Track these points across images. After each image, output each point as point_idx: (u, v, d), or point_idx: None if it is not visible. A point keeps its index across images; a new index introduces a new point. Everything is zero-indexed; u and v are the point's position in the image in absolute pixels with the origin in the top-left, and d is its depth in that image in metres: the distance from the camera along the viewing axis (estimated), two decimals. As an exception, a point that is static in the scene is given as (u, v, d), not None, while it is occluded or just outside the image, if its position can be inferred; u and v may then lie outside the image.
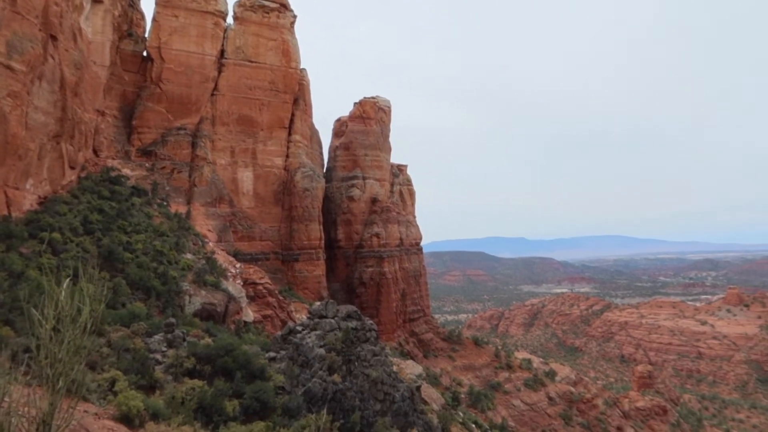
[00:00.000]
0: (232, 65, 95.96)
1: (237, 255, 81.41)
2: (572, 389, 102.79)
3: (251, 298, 66.09)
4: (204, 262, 57.32)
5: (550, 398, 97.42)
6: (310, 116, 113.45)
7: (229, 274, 60.94)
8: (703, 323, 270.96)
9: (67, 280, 7.96)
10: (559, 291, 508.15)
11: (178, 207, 76.81)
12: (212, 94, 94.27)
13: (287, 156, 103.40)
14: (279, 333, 33.88)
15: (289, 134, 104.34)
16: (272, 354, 30.31)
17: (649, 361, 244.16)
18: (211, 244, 71.26)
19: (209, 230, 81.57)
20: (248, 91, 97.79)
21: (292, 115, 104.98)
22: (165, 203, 73.71)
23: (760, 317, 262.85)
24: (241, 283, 63.01)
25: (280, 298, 74.39)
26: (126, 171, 73.82)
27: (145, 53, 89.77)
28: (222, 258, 65.31)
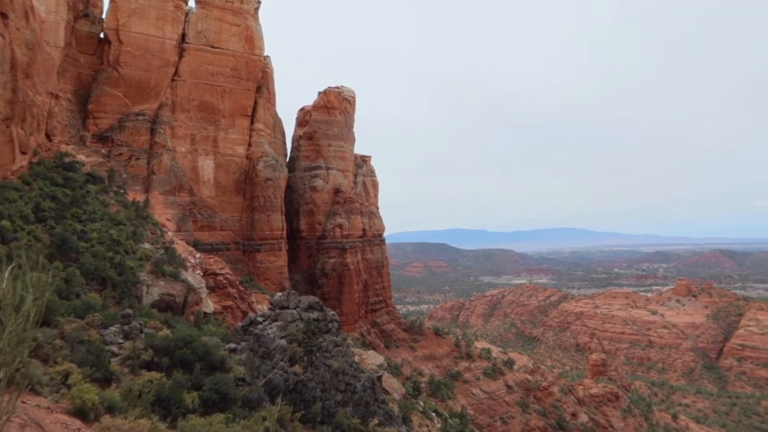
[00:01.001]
0: (193, 50, 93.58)
1: (197, 245, 79.92)
2: (529, 377, 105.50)
3: (211, 289, 65.08)
4: (162, 251, 56.04)
5: (509, 386, 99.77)
6: (274, 105, 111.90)
7: (189, 264, 59.81)
8: (654, 313, 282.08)
9: (10, 267, 7.58)
10: (518, 282, 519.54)
11: (135, 195, 74.73)
12: (172, 80, 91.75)
13: (249, 145, 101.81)
14: (239, 324, 33.55)
15: (252, 123, 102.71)
16: (232, 345, 30.01)
17: (602, 349, 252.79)
18: (170, 233, 69.67)
19: (168, 219, 79.70)
20: (210, 78, 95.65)
21: (255, 103, 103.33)
22: (122, 191, 71.60)
23: (706, 307, 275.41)
24: (201, 274, 61.95)
25: (241, 288, 73.52)
26: (81, 157, 71.26)
27: (102, 35, 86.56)
28: (181, 248, 64.00)
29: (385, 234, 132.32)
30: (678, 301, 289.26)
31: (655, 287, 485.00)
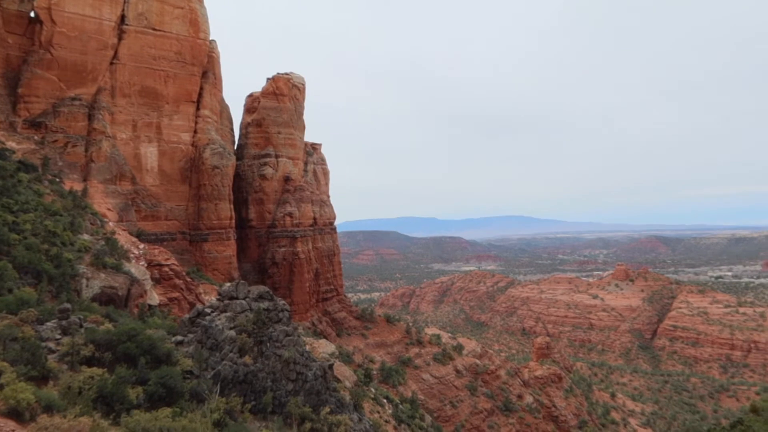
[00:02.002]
0: (133, 33, 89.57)
1: (140, 235, 77.16)
2: (478, 362, 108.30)
3: (156, 281, 63.13)
4: (103, 243, 53.79)
5: (458, 371, 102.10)
6: (220, 90, 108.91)
7: (132, 255, 57.73)
8: (595, 297, 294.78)
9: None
10: (467, 269, 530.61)
11: (73, 184, 71.20)
12: (111, 63, 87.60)
13: (195, 132, 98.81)
14: (187, 316, 32.74)
15: (198, 109, 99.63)
16: (179, 338, 29.28)
17: (547, 333, 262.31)
18: (111, 223, 66.92)
19: (109, 209, 76.49)
20: (152, 62, 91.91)
21: (201, 88, 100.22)
22: (58, 180, 68.06)
23: (642, 291, 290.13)
24: (145, 265, 59.95)
25: (188, 279, 71.67)
26: (11, 144, 67.20)
27: (32, 14, 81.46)
28: (123, 239, 61.65)
29: (337, 222, 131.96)
30: (617, 285, 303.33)
31: (596, 272, 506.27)
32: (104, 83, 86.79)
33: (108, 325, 27.74)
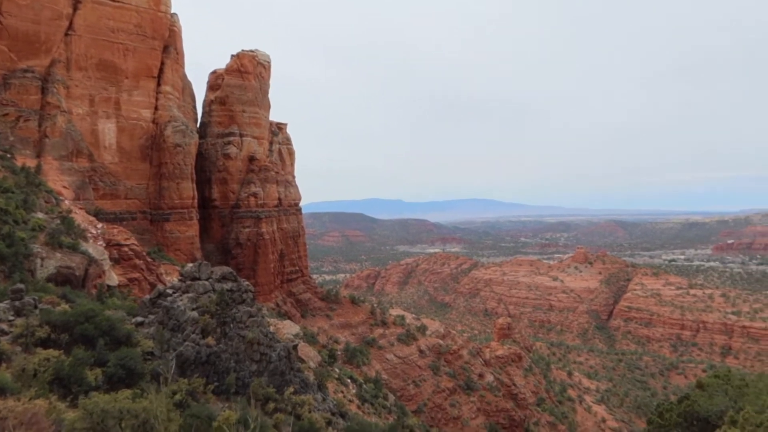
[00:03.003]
0: (90, 3, 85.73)
1: (99, 214, 74.90)
2: (441, 342, 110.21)
3: (116, 261, 61.60)
4: (59, 221, 52.04)
5: (421, 351, 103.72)
6: (182, 66, 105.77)
7: (90, 234, 56.08)
8: (555, 279, 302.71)
9: None
10: (432, 251, 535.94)
11: (25, 160, 68.36)
12: (66, 34, 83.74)
13: (156, 108, 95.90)
14: (147, 297, 32.16)
15: (159, 85, 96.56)
16: (140, 319, 28.81)
17: (508, 314, 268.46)
18: (67, 202, 64.73)
19: (65, 187, 73.85)
20: (110, 34, 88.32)
21: (162, 64, 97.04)
22: (9, 155, 65.24)
23: (600, 273, 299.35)
24: (104, 245, 58.37)
25: (149, 260, 70.17)
26: (-42, 116, 63.87)
27: (-21, -21, 76.97)
28: (81, 217, 59.78)
29: (302, 203, 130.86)
30: (576, 267, 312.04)
31: (557, 255, 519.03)
32: (59, 55, 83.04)
33: (64, 306, 27.06)
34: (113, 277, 52.58)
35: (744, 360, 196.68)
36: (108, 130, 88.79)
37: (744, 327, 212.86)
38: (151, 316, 29.06)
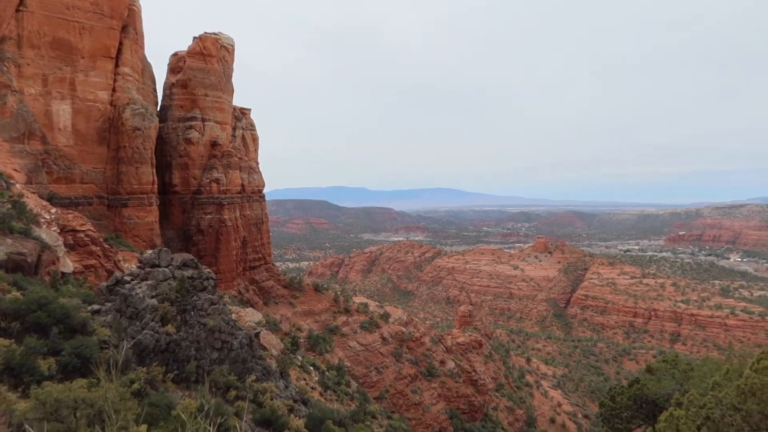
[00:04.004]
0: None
1: (53, 199, 72.25)
2: (403, 329, 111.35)
3: (70, 247, 59.65)
4: (9, 206, 49.95)
5: (384, 338, 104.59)
6: (142, 47, 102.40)
7: (42, 220, 54.09)
8: (516, 268, 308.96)
9: None
10: (396, 239, 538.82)
11: (-27, 140, 65.23)
12: (17, 10, 79.77)
13: (114, 90, 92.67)
14: (104, 284, 31.37)
15: (117, 66, 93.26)
16: (96, 306, 28.12)
17: (470, 302, 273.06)
18: (18, 185, 62.15)
19: (16, 170, 70.83)
20: (65, 11, 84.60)
21: (121, 44, 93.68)
22: (-45, 135, 62.11)
23: (559, 262, 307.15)
24: (58, 230, 56.40)
25: (106, 246, 68.20)
26: None
27: None
28: (33, 202, 57.54)
29: (266, 190, 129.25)
30: (536, 257, 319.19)
31: (518, 244, 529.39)
32: (9, 32, 79.10)
33: (16, 294, 26.16)
34: (68, 264, 50.99)
35: (691, 346, 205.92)
36: (62, 111, 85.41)
37: (692, 315, 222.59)
38: (108, 304, 28.42)
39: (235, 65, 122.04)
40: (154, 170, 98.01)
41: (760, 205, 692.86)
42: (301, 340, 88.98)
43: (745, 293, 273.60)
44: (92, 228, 68.08)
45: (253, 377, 31.71)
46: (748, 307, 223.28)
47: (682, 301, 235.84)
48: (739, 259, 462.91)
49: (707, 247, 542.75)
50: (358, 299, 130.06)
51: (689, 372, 24.76)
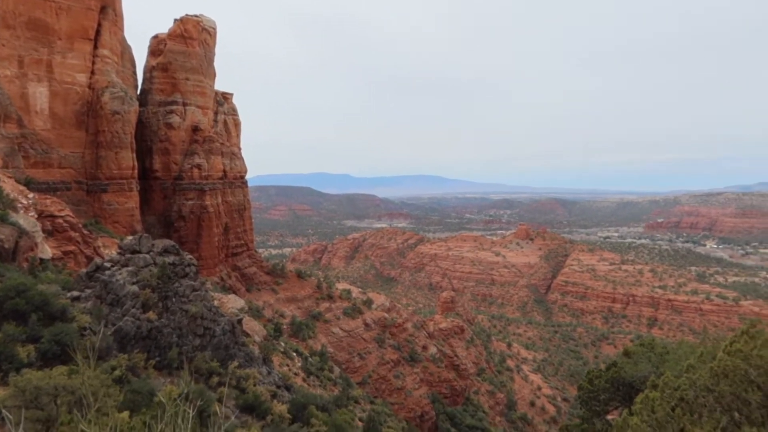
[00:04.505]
0: (16, -46, 79.38)
1: (30, 184, 70.82)
2: (386, 315, 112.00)
3: (49, 233, 58.67)
4: (-16, 190, 48.89)
5: (367, 324, 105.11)
6: (121, 29, 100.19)
7: (20, 205, 53.06)
8: (498, 254, 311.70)
9: None
10: (379, 226, 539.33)
11: (-55, 123, 63.49)
12: (-10, -12, 77.48)
13: (93, 73, 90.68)
14: (84, 270, 31.00)
15: (95, 48, 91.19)
16: (76, 293, 27.82)
17: (452, 288, 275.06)
18: (-7, 169, 60.80)
19: (-10, 153, 69.22)
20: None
21: (99, 25, 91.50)
22: (-74, 118, 60.38)
23: (540, 249, 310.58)
24: (36, 216, 55.41)
25: (85, 232, 67.19)
26: None
27: None
28: (10, 187, 56.38)
29: (248, 176, 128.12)
30: (518, 243, 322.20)
31: (500, 231, 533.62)
32: (-18, 11, 76.83)
33: (-7, 280, 25.73)
34: (46, 250, 50.23)
35: (668, 330, 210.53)
36: (39, 94, 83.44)
37: (669, 300, 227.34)
38: (88, 291, 28.15)
39: (217, 49, 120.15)
40: (135, 155, 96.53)
41: (736, 193, 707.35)
42: (284, 327, 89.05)
43: (720, 279, 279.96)
44: (71, 214, 67.05)
45: (235, 363, 31.73)
46: (723, 292, 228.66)
47: (660, 287, 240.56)
48: (715, 246, 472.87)
49: (685, 234, 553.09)
50: (341, 286, 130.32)
51: (665, 355, 25.38)
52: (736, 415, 13.70)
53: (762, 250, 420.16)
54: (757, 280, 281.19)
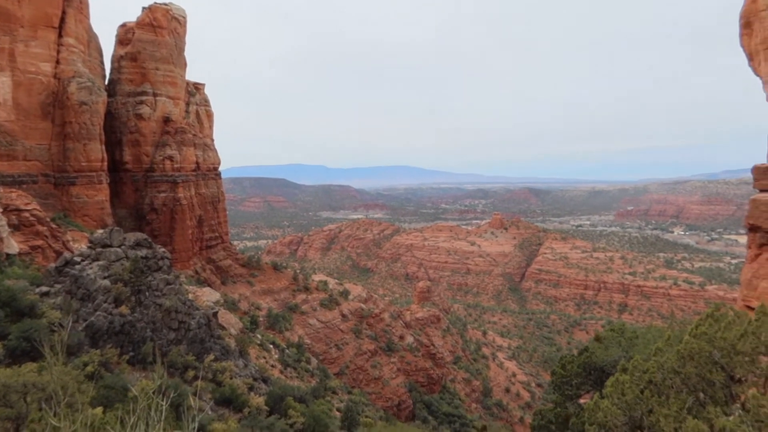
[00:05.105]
0: (-26, -62, 76.33)
1: (-8, 176, 68.73)
2: (363, 306, 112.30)
3: (15, 227, 57.11)
4: (-55, 184, 47.33)
5: (344, 315, 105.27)
6: (88, 17, 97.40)
7: (-17, 199, 51.48)
8: (473, 244, 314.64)
9: None
10: (355, 217, 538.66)
11: None
12: (-54, -27, 74.41)
13: (58, 62, 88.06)
14: (53, 265, 30.31)
15: (60, 36, 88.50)
16: (45, 288, 27.22)
17: (428, 278, 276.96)
18: (-46, 162, 58.79)
19: (-49, 146, 66.87)
20: (0, -24, 79.36)
21: (64, 13, 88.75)
22: None
23: (514, 238, 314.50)
24: (0, 210, 53.89)
25: (53, 226, 65.60)
26: None
27: None
28: (-29, 180, 54.61)
29: (222, 168, 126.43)
30: (492, 233, 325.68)
31: (475, 221, 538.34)
32: (-62, -3, 73.78)
33: (-43, 276, 25.04)
34: (13, 245, 48.92)
35: (637, 315, 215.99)
36: (2, 84, 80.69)
37: (638, 286, 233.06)
38: (58, 286, 27.57)
39: (187, 38, 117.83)
40: (104, 147, 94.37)
41: (702, 180, 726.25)
42: (261, 319, 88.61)
43: (687, 265, 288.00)
44: (38, 207, 65.39)
45: (211, 357, 31.52)
46: (689, 278, 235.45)
47: (630, 274, 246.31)
48: (682, 233, 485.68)
49: (653, 222, 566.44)
50: (318, 277, 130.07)
51: (634, 339, 26.07)
52: (701, 395, 14.20)
53: (726, 236, 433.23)
54: (721, 265, 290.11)
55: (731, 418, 12.96)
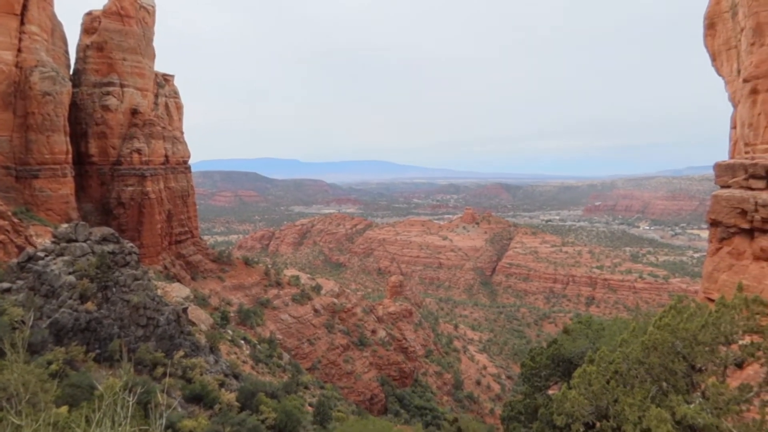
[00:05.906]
0: None
1: (-51, 169, 66.14)
2: (335, 301, 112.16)
3: (-27, 222, 55.12)
4: None
5: (316, 310, 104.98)
6: (51, 4, 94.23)
7: (-61, 192, 49.52)
8: (445, 239, 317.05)
9: None
10: (327, 211, 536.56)
11: None
12: None
13: (20, 50, 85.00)
14: (15, 260, 29.40)
15: (22, 24, 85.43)
16: (6, 285, 26.40)
17: (401, 272, 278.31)
18: None
19: None
20: (-44, -40, 76.12)
21: (26, 0, 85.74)
22: None
23: (486, 232, 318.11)
24: (-42, 204, 51.91)
25: (15, 220, 63.51)
26: None
27: None
28: (-73, 172, 52.45)
29: (192, 161, 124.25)
30: (464, 228, 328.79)
31: (447, 216, 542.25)
32: None
33: None
34: (-29, 240, 47.27)
35: (604, 308, 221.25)
36: (-42, 72, 77.55)
37: (605, 279, 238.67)
38: (20, 282, 26.79)
39: (156, 28, 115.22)
40: (68, 139, 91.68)
41: (667, 177, 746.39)
42: (231, 315, 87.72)
43: (652, 259, 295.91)
44: (-2, 201, 63.25)
45: (181, 353, 31.10)
46: (654, 271, 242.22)
47: (597, 267, 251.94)
48: (648, 228, 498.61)
49: (620, 217, 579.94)
50: (290, 272, 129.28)
51: (601, 331, 26.74)
52: (664, 384, 14.67)
53: (690, 231, 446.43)
54: (684, 258, 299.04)
55: (692, 406, 13.43)
